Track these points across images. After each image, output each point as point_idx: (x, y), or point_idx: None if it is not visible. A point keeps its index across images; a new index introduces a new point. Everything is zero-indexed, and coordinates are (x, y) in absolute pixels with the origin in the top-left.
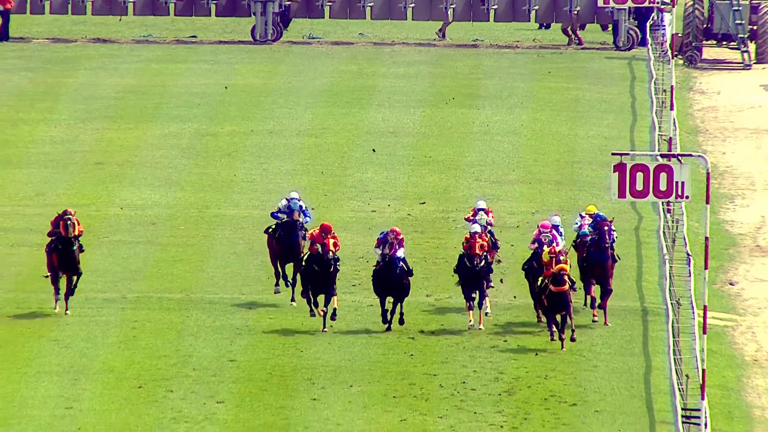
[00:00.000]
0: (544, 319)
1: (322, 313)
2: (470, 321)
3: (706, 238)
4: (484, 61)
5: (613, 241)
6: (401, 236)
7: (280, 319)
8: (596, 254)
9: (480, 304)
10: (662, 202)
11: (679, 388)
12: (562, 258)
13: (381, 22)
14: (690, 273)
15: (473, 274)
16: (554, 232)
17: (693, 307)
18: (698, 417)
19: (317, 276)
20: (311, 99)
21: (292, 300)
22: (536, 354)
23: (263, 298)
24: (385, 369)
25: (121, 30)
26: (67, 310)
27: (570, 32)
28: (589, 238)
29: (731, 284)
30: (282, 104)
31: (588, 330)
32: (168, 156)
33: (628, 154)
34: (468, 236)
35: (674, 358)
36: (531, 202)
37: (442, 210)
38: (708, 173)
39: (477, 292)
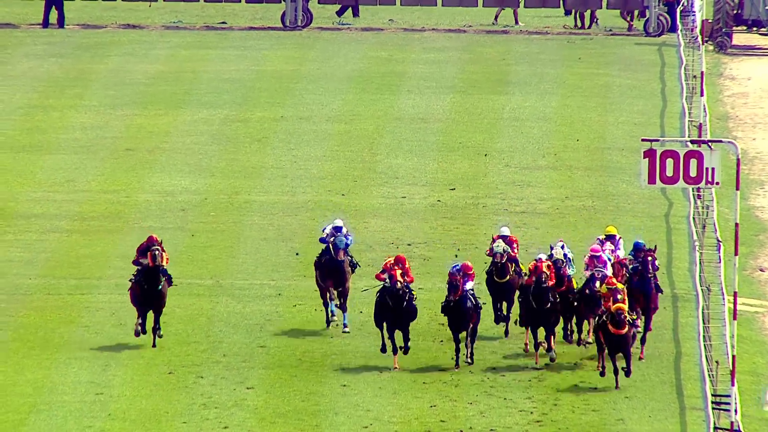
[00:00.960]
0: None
1: (393, 353)
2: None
3: (736, 224)
4: (514, 47)
5: (656, 269)
6: (471, 271)
7: (310, 305)
8: (640, 283)
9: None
10: (692, 188)
11: (709, 374)
12: (620, 296)
13: (411, 8)
14: (720, 259)
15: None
16: (605, 260)
17: (723, 293)
18: (728, 403)
19: (391, 310)
20: (341, 85)
21: (330, 319)
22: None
23: (293, 284)
24: (414, 355)
25: (151, 16)
26: (154, 345)
27: (627, 17)
28: (631, 267)
29: (761, 270)
30: (312, 90)
31: None
32: (198, 142)
33: (658, 140)
34: (531, 264)
35: (704, 344)
36: (561, 188)
37: (471, 196)
38: (738, 159)
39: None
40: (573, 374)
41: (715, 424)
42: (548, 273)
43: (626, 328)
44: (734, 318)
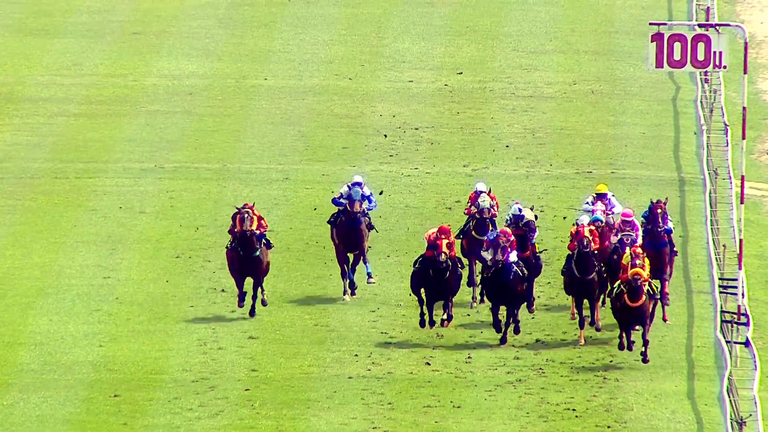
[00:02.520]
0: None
1: (431, 324)
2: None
3: (744, 108)
4: None
5: (670, 230)
6: (512, 237)
7: (317, 190)
8: (651, 242)
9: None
10: (699, 72)
11: (716, 258)
12: (638, 262)
13: None
14: (727, 143)
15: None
16: (637, 224)
17: (730, 177)
18: (735, 287)
19: (432, 283)
20: None
21: (353, 293)
22: (564, 218)
23: (300, 168)
24: (422, 240)
25: None
26: (252, 314)
27: None
28: (643, 229)
29: None
30: None
31: (625, 201)
32: (205, 26)
33: (665, 24)
34: (572, 228)
35: (711, 228)
36: (568, 72)
37: (479, 80)
38: (746, 43)
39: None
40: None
41: (722, 307)
42: (590, 238)
43: (643, 298)
44: (741, 202)
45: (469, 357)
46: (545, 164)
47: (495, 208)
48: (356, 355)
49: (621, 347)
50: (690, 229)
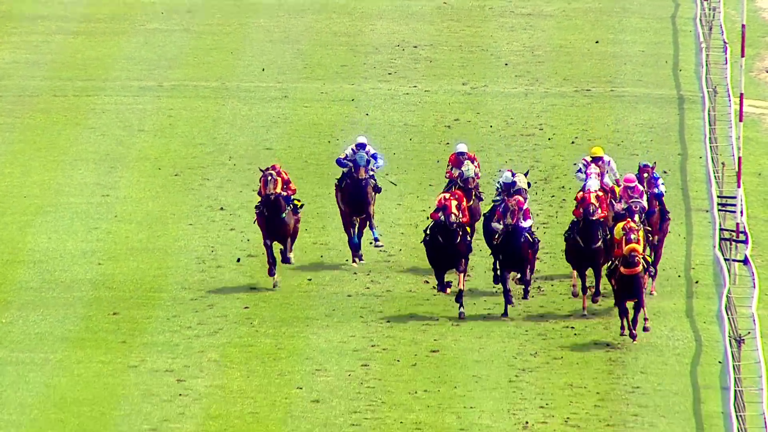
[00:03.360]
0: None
1: (444, 291)
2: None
3: (743, 26)
4: None
5: (661, 194)
6: (524, 205)
7: (316, 108)
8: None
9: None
10: None
11: (715, 176)
12: (633, 237)
13: None
14: (726, 60)
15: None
16: (640, 188)
17: (729, 94)
18: (734, 204)
19: (442, 249)
20: None
21: (359, 258)
22: (573, 142)
23: (299, 86)
24: (421, 158)
25: None
26: (271, 273)
27: None
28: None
29: None
30: None
31: (624, 119)
32: None
33: None
34: (579, 194)
35: (710, 146)
36: None
37: None
38: None
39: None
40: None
41: (720, 225)
42: (597, 204)
43: (639, 267)
44: (740, 119)
45: (468, 276)
46: (544, 82)
47: (477, 168)
48: (355, 273)
49: (623, 332)
50: (689, 147)
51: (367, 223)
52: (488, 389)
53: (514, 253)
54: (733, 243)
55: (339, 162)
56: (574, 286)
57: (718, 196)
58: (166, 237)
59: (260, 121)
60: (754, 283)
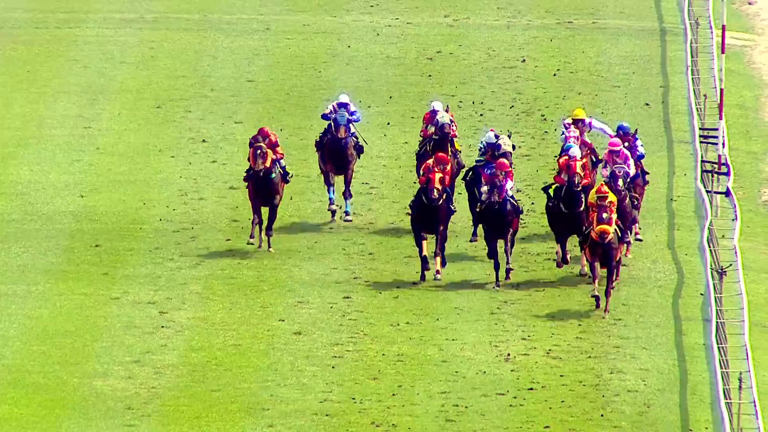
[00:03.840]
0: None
1: (428, 268)
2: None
3: None
4: None
5: (641, 156)
6: (509, 168)
7: (298, 40)
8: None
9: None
10: None
11: (696, 108)
12: (605, 216)
13: None
14: None
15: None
16: (626, 153)
17: (711, 26)
18: (716, 136)
19: (425, 212)
20: None
21: (336, 219)
22: (555, 74)
23: (281, 19)
24: (403, 90)
25: None
26: (267, 246)
27: None
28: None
29: (750, 3)
30: None
31: (606, 51)
32: None
33: None
34: (563, 160)
35: (692, 78)
36: None
37: None
38: None
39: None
40: (560, 108)
41: (702, 157)
42: (582, 174)
43: (611, 227)
44: (722, 51)
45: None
46: (526, 14)
47: (454, 125)
48: (339, 206)
49: (598, 305)
50: (671, 80)
51: (346, 186)
52: (470, 321)
53: (499, 221)
54: (715, 175)
55: (323, 116)
56: (557, 254)
57: (700, 128)
58: (148, 169)
59: (242, 54)
60: (735, 215)
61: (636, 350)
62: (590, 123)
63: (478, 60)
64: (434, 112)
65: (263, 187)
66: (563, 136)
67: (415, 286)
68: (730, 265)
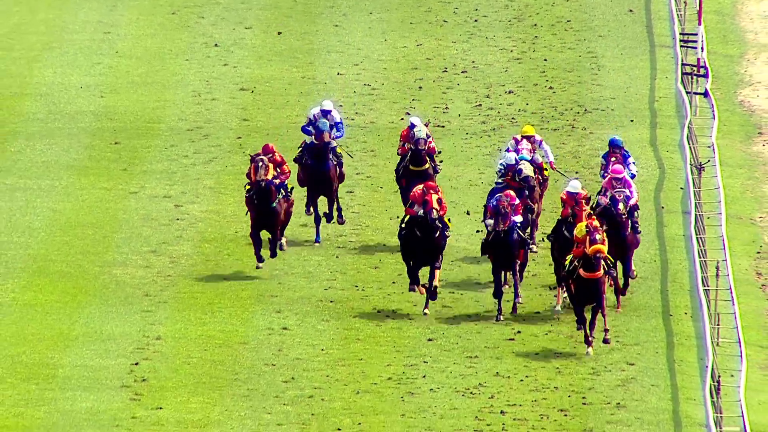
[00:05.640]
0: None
1: (422, 291)
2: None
3: None
4: None
5: (633, 175)
6: (516, 201)
7: None
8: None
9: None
10: None
11: (677, 14)
12: (598, 237)
13: None
14: None
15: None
16: (629, 180)
17: None
18: (695, 41)
19: (419, 243)
20: None
21: (317, 240)
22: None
23: None
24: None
25: None
26: (262, 259)
27: None
28: (601, 172)
29: None
30: None
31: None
32: None
33: None
34: (565, 196)
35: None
36: None
37: None
38: None
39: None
40: (551, 14)
41: (682, 60)
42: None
43: (600, 271)
44: None
45: (446, 107)
46: None
47: (431, 140)
48: (341, 105)
49: (587, 341)
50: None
51: (331, 203)
52: (465, 214)
53: (506, 251)
54: (694, 77)
55: (303, 129)
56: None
57: (681, 33)
58: (164, 72)
59: None
60: (713, 115)
61: None
62: (540, 141)
63: None
64: (412, 128)
65: (263, 211)
66: (511, 152)
67: None
68: (708, 160)
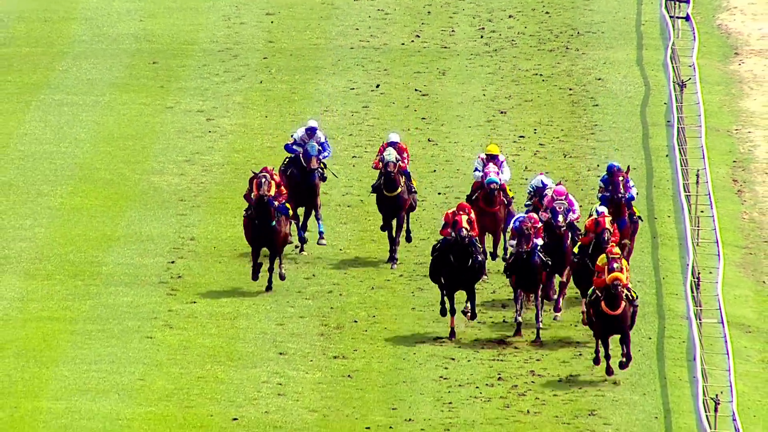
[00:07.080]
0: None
1: (452, 323)
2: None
3: None
4: None
5: (632, 198)
6: (539, 224)
7: None
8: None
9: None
10: None
11: None
12: (615, 265)
13: None
14: None
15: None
16: (572, 199)
17: None
18: None
19: (453, 268)
20: None
21: (301, 250)
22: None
23: None
24: None
25: None
26: (269, 288)
27: None
28: (599, 195)
29: None
30: None
31: None
32: None
33: None
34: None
35: None
36: None
37: None
38: None
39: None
40: None
41: None
42: (611, 230)
43: (623, 305)
44: None
45: (452, 30)
46: None
47: (405, 160)
48: (357, 29)
49: (597, 361)
50: None
51: (313, 213)
52: (469, 127)
53: (528, 273)
54: (677, 2)
55: (287, 148)
56: (583, 312)
57: None
58: None
59: None
60: (694, 36)
61: (609, 151)
62: (502, 162)
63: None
64: (391, 144)
65: (262, 229)
66: (478, 172)
67: (424, 97)
68: (689, 78)
